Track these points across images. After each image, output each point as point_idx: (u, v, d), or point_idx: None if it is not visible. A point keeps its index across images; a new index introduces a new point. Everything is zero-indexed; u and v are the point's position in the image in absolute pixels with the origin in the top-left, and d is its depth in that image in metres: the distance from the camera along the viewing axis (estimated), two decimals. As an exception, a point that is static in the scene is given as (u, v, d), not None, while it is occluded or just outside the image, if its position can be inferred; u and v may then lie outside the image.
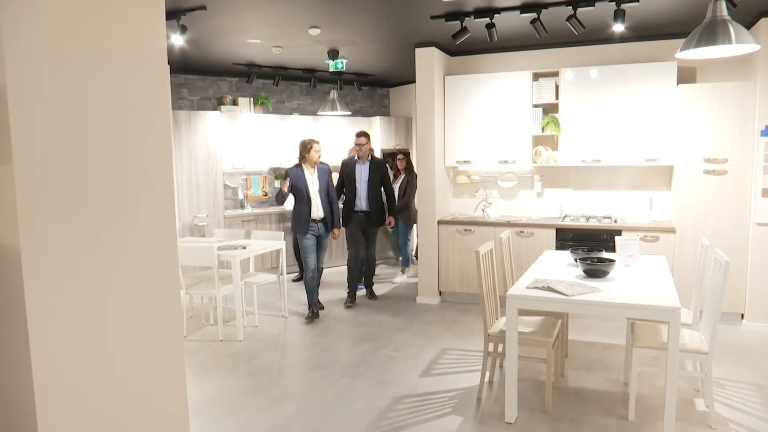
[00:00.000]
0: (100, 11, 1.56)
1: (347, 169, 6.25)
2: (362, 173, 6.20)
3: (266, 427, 3.48)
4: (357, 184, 6.19)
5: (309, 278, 5.67)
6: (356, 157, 6.23)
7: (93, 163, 1.56)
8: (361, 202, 6.19)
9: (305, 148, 5.61)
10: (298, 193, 5.57)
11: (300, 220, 5.60)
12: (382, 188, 6.32)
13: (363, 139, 6.13)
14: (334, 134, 8.25)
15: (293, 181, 5.56)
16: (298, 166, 5.63)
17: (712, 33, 3.06)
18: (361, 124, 8.62)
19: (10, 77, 1.36)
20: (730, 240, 5.17)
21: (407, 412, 3.66)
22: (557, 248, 5.66)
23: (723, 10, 3.11)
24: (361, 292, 6.56)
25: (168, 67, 1.79)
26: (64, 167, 1.49)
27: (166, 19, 1.82)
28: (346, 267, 6.52)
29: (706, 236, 5.02)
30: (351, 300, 6.20)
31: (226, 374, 4.30)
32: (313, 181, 5.62)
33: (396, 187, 7.04)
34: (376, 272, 7.36)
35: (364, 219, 6.21)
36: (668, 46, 5.57)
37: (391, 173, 7.11)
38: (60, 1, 1.47)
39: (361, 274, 6.51)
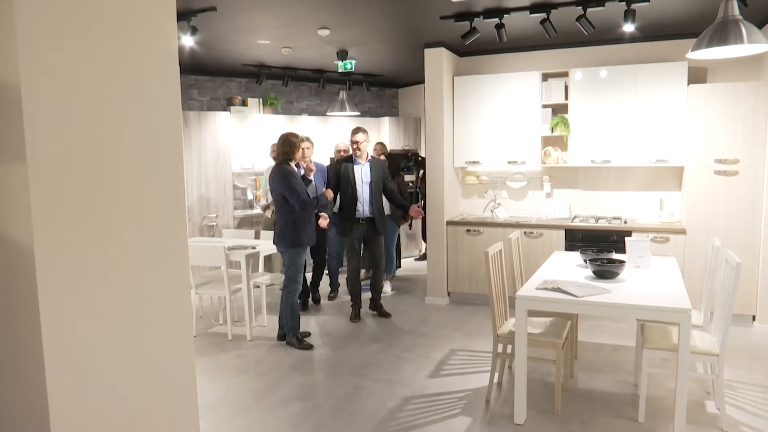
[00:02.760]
0: (112, 12, 1.57)
1: (343, 170, 5.46)
2: (363, 175, 5.47)
3: (275, 426, 3.49)
4: (357, 187, 5.43)
5: (295, 303, 4.89)
6: (354, 158, 5.51)
7: (105, 163, 1.57)
8: (364, 208, 5.47)
9: (294, 145, 4.77)
10: (303, 197, 4.75)
11: (306, 229, 4.80)
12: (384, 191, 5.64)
13: (360, 136, 5.43)
14: (343, 135, 8.26)
15: (299, 181, 4.75)
16: (287, 165, 4.78)
17: (724, 33, 3.04)
18: (370, 124, 8.63)
19: (24, 77, 1.37)
20: (742, 241, 5.13)
21: (416, 412, 3.66)
22: (567, 249, 5.64)
23: (735, 10, 3.08)
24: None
25: (178, 67, 1.80)
26: (76, 167, 1.50)
27: (177, 20, 1.83)
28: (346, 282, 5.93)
29: (717, 237, 4.98)
30: (356, 315, 5.65)
31: (235, 374, 4.32)
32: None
33: None
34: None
35: (367, 227, 5.53)
36: (679, 46, 5.53)
37: None
38: (73, 2, 1.48)
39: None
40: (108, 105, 1.58)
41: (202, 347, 4.91)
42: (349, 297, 5.80)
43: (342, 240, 5.63)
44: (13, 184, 1.46)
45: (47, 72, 1.43)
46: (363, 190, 5.47)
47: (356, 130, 5.49)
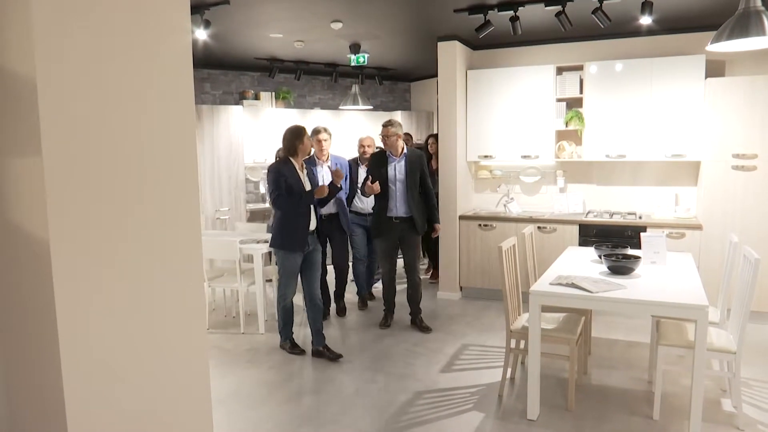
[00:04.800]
0: (126, 6, 1.57)
1: (377, 165, 5.05)
2: (397, 171, 5.01)
3: (287, 419, 3.50)
4: (390, 185, 5.00)
5: (287, 307, 4.58)
6: (388, 152, 5.06)
7: (120, 157, 1.57)
8: (397, 207, 5.00)
9: (300, 134, 4.39)
10: (292, 196, 4.33)
11: (295, 232, 4.35)
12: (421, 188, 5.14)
13: (388, 129, 4.97)
14: (356, 129, 8.24)
15: (288, 179, 4.32)
16: (286, 161, 4.42)
17: (745, 24, 2.98)
18: (383, 118, 8.56)
19: (39, 71, 1.37)
20: (760, 237, 5.05)
21: (428, 407, 3.65)
22: (580, 244, 5.59)
23: (756, 1, 3.02)
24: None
25: (192, 61, 1.79)
26: (91, 160, 1.50)
27: (191, 13, 1.82)
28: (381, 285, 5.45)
29: (734, 233, 4.91)
30: (387, 320, 5.26)
31: (247, 367, 4.34)
32: (305, 180, 4.45)
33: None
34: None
35: (402, 227, 5.04)
36: (697, 39, 5.45)
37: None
38: (88, -4, 1.48)
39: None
40: (122, 98, 1.58)
41: (214, 340, 4.93)
42: (383, 302, 5.33)
43: (375, 241, 5.23)
44: (28, 177, 1.46)
45: (62, 66, 1.43)
46: (396, 189, 5.01)
47: (385, 123, 5.04)
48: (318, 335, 4.54)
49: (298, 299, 4.95)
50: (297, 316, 5.23)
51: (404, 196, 5.00)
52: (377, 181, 4.93)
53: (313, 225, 4.47)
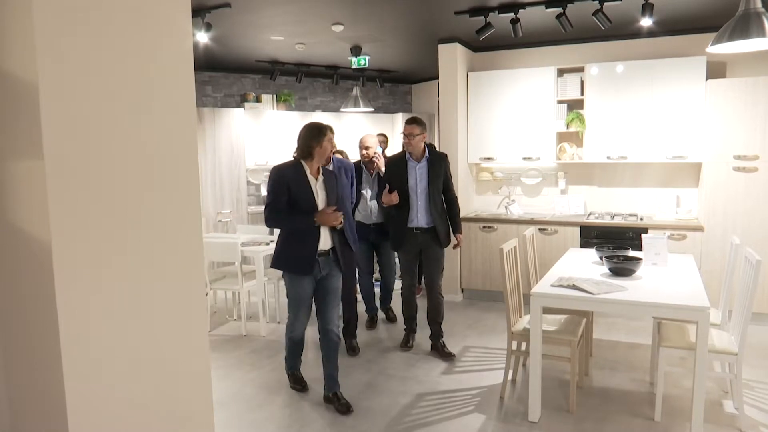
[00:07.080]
0: (128, 10, 1.58)
1: (395, 170, 4.48)
2: (418, 176, 4.41)
3: (289, 422, 3.50)
4: (411, 193, 4.42)
5: (295, 340, 3.82)
6: (407, 155, 4.46)
7: (121, 160, 1.58)
8: (419, 216, 4.42)
9: (319, 134, 3.50)
10: (296, 209, 3.49)
11: (300, 251, 3.52)
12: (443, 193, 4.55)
13: (412, 128, 4.33)
14: (357, 131, 8.24)
15: (293, 187, 3.46)
16: (296, 164, 3.53)
17: (746, 26, 2.98)
18: (384, 120, 8.61)
19: (41, 75, 1.38)
20: (761, 238, 5.05)
21: (430, 409, 3.65)
22: (582, 246, 5.59)
23: (757, 2, 3.03)
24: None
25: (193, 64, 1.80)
26: (93, 163, 1.51)
27: (192, 16, 1.83)
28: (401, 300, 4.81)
29: (736, 235, 4.91)
30: (408, 341, 4.71)
31: (249, 369, 4.34)
32: (317, 192, 3.53)
33: None
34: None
35: (425, 239, 4.46)
36: (698, 41, 5.45)
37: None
38: (90, 0, 1.48)
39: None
40: (124, 102, 1.58)
41: (216, 343, 4.94)
42: (404, 320, 4.80)
43: (397, 254, 4.71)
44: (30, 179, 1.47)
45: (64, 69, 1.44)
46: (419, 197, 4.43)
47: (410, 120, 4.39)
48: (330, 380, 3.69)
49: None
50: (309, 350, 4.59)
51: (426, 205, 4.41)
52: (395, 190, 4.43)
53: (327, 245, 3.59)
